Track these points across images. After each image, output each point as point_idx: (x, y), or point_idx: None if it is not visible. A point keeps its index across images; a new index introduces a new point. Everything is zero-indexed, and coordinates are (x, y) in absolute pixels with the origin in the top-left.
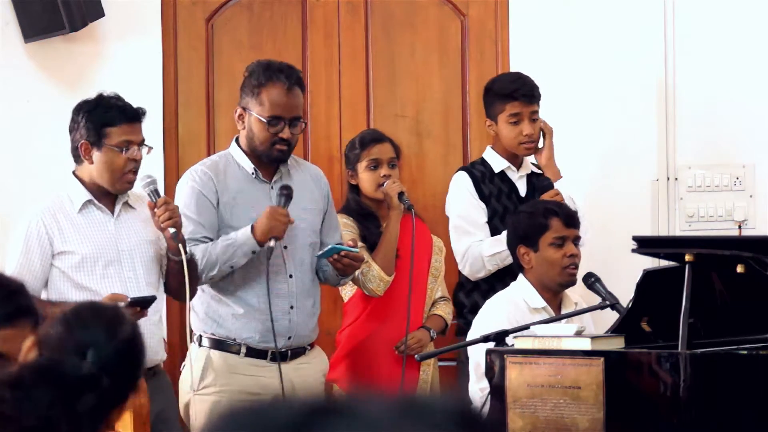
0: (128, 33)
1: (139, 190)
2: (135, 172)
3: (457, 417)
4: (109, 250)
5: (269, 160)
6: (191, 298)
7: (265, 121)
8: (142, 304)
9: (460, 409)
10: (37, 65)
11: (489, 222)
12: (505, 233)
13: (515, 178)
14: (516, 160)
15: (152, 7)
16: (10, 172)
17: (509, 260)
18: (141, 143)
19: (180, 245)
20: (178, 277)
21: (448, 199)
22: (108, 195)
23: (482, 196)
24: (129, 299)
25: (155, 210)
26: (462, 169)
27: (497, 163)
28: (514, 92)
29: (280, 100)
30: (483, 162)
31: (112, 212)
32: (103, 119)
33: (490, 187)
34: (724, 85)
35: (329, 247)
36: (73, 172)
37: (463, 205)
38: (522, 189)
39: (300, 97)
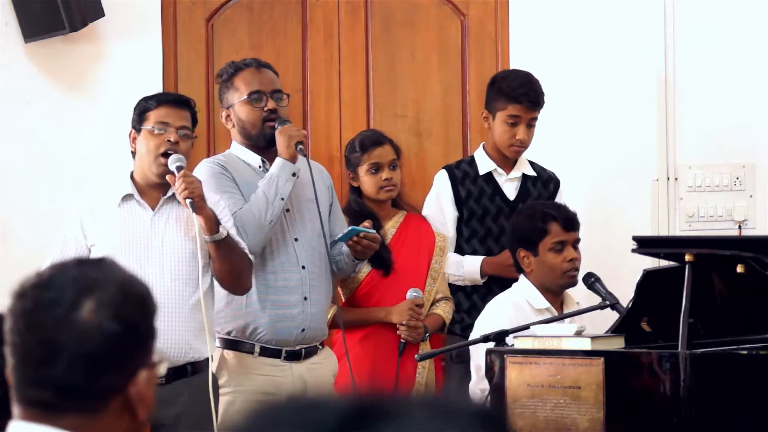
0: (128, 33)
1: None
2: (169, 155)
3: (484, 418)
4: (137, 245)
5: (265, 140)
6: (240, 283)
7: (246, 97)
8: None
9: (488, 411)
10: (37, 65)
11: (467, 224)
12: (466, 258)
13: (502, 181)
14: (507, 162)
15: (152, 7)
16: (9, 172)
17: (463, 283)
18: (181, 128)
19: (195, 216)
20: (218, 262)
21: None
22: (154, 190)
23: (458, 198)
24: None
25: (175, 184)
26: (445, 167)
27: (484, 164)
28: (521, 96)
29: (253, 77)
30: (471, 161)
31: (153, 208)
32: (143, 106)
33: (471, 187)
34: (724, 85)
35: (349, 229)
36: (131, 173)
37: (432, 211)
38: (510, 192)
39: (272, 75)
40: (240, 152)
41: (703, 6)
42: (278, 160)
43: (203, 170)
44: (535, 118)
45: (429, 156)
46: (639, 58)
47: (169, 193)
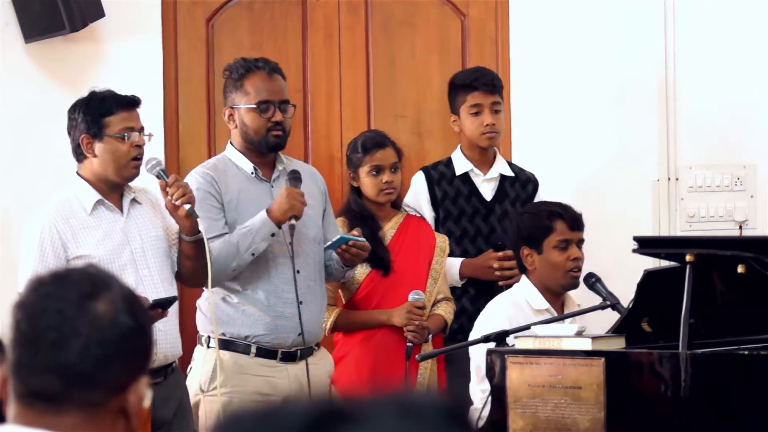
0: (128, 33)
1: (142, 184)
2: (140, 159)
3: (446, 413)
4: (123, 251)
5: (267, 148)
6: (212, 283)
7: (254, 106)
8: (164, 304)
9: (449, 406)
10: (37, 65)
11: (443, 224)
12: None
13: (479, 182)
14: (484, 162)
15: (152, 7)
16: (9, 172)
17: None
18: (141, 130)
19: (198, 220)
20: (195, 260)
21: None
22: (114, 192)
23: (434, 199)
24: (151, 301)
25: (167, 189)
26: (422, 168)
27: (461, 165)
28: (474, 82)
29: (264, 85)
30: (448, 162)
31: (121, 210)
32: (100, 110)
33: (447, 188)
34: (724, 85)
35: (338, 237)
36: (77, 173)
37: (410, 212)
38: (487, 193)
39: (282, 83)
40: (234, 156)
41: (703, 6)
42: (264, 217)
43: (191, 184)
44: (499, 103)
45: (429, 156)
46: (639, 58)
47: (131, 196)
